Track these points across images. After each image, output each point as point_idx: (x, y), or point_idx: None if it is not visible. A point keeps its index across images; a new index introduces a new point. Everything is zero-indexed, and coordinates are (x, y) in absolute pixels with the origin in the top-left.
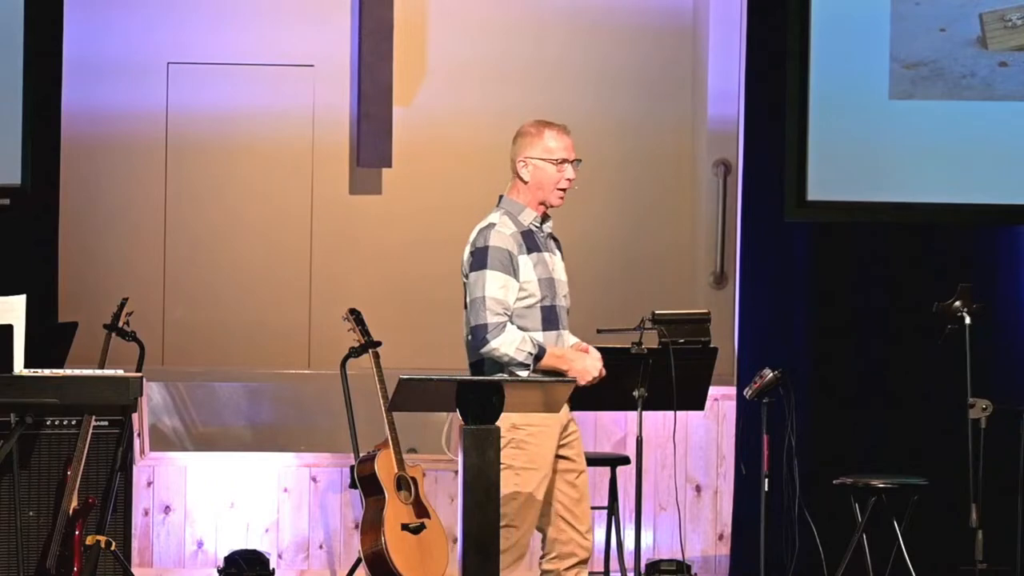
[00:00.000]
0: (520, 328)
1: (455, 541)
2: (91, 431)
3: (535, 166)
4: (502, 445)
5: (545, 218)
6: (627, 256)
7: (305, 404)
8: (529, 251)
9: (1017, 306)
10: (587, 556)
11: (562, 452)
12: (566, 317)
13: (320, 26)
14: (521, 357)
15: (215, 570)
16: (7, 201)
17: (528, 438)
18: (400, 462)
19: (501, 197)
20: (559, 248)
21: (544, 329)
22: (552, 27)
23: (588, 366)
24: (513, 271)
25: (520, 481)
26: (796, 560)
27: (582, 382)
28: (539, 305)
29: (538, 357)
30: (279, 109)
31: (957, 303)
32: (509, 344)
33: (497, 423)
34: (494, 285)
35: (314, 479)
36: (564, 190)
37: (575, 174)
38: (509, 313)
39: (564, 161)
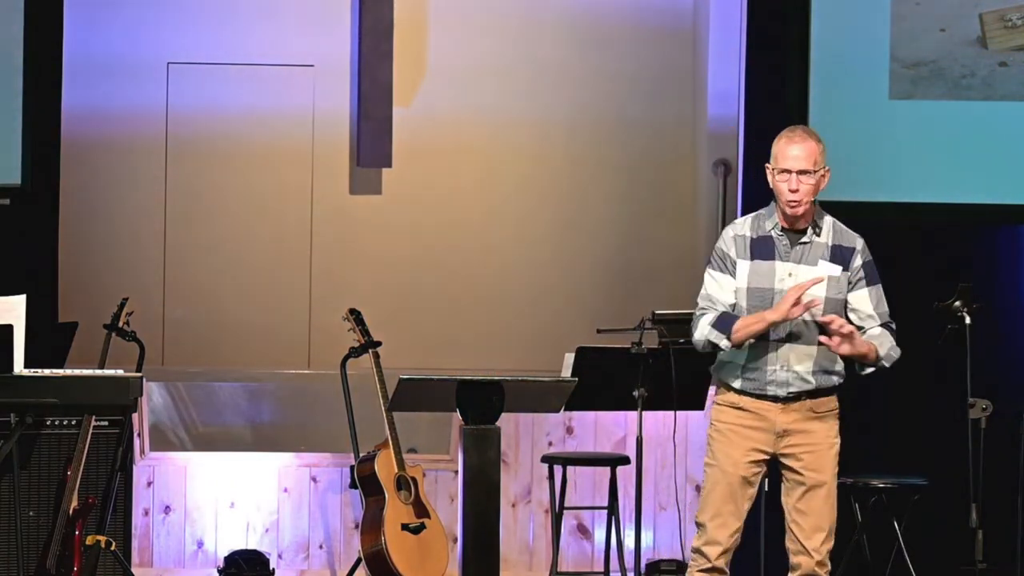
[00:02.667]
0: None
1: (455, 541)
2: (91, 431)
3: (769, 173)
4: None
5: (802, 226)
6: (627, 256)
7: (305, 404)
8: (754, 257)
9: (1017, 306)
10: (810, 571)
11: (785, 461)
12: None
13: (320, 26)
14: (712, 336)
15: (215, 570)
16: (7, 201)
17: (715, 435)
18: (400, 462)
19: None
20: (841, 261)
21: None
22: (552, 27)
23: (779, 308)
24: (729, 271)
25: (707, 474)
26: None
27: (779, 318)
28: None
29: (727, 325)
30: (279, 109)
31: (957, 303)
32: (699, 330)
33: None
34: (708, 281)
35: (314, 479)
36: (792, 202)
37: (798, 184)
38: (715, 307)
39: (784, 171)
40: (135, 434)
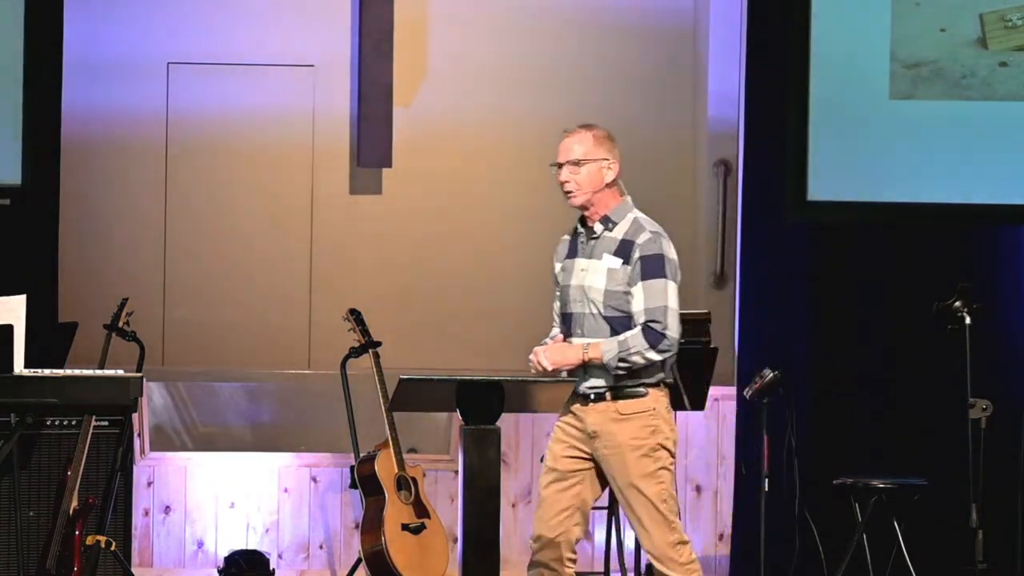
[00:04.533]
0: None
1: (455, 541)
2: (91, 431)
3: None
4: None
5: (594, 221)
6: None
7: (305, 404)
8: (567, 256)
9: (1017, 306)
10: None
11: (598, 463)
12: (584, 324)
13: (320, 26)
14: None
15: (215, 570)
16: (7, 201)
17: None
18: (400, 462)
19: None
20: (623, 255)
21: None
22: (552, 28)
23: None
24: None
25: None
26: (796, 560)
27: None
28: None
29: None
30: (279, 109)
31: (957, 303)
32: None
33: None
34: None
35: (314, 479)
36: (566, 193)
37: (566, 176)
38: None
39: (556, 165)
40: (135, 434)
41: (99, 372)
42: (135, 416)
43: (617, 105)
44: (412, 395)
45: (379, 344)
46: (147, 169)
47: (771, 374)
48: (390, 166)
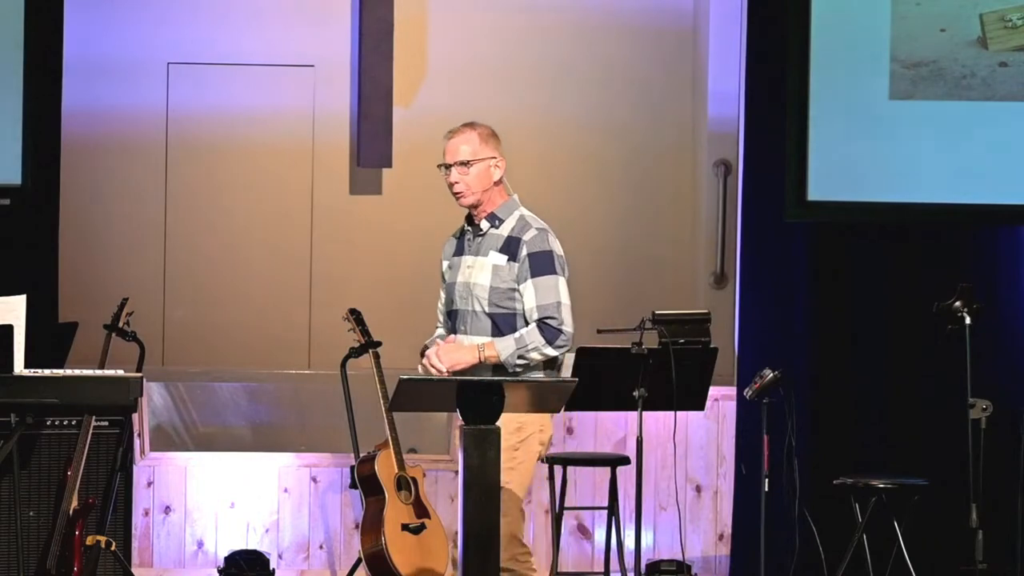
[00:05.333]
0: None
1: (455, 541)
2: (91, 431)
3: None
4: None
5: (480, 219)
6: (627, 256)
7: (305, 404)
8: (454, 254)
9: (1017, 306)
10: None
11: None
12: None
13: (320, 26)
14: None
15: (215, 570)
16: (7, 201)
17: None
18: (400, 462)
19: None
20: (509, 252)
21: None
22: (552, 28)
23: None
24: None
25: None
26: (796, 560)
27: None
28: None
29: None
30: (279, 109)
31: (957, 303)
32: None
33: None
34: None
35: (314, 479)
36: (456, 194)
37: (456, 177)
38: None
39: (443, 166)
40: (135, 434)
41: (99, 372)
42: (135, 416)
43: (617, 105)
44: (412, 395)
45: (379, 344)
46: (147, 169)
47: (771, 374)
48: (390, 166)
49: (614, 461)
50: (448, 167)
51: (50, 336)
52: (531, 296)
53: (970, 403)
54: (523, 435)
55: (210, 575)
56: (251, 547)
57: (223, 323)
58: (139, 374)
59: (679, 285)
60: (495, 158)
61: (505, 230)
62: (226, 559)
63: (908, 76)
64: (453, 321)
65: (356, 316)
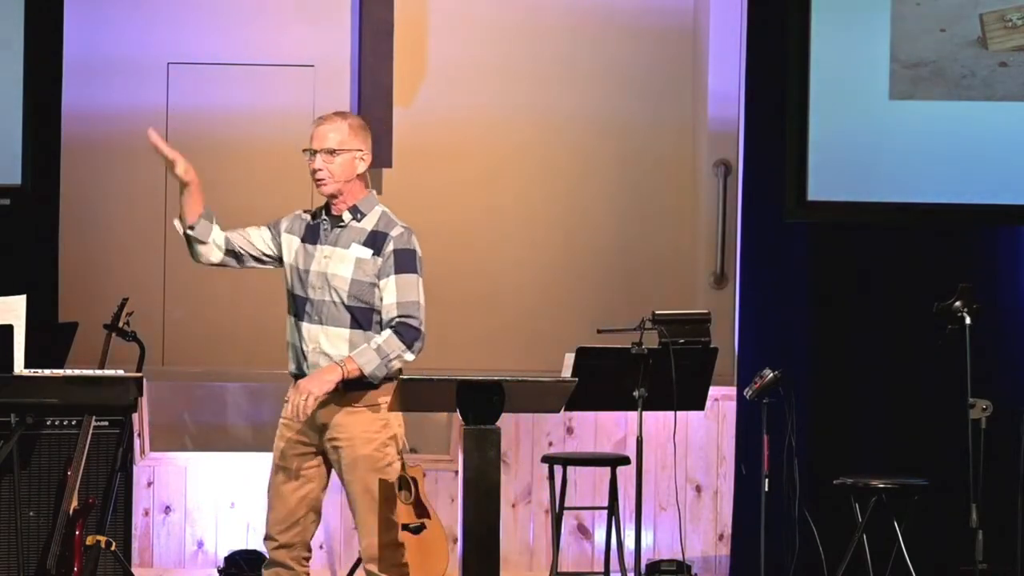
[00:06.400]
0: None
1: (455, 541)
2: (91, 431)
3: None
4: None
5: (340, 211)
6: (627, 256)
7: None
8: (304, 240)
9: (1017, 306)
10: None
11: (328, 456)
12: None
13: (320, 26)
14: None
15: (215, 570)
16: (7, 201)
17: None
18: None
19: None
20: (373, 246)
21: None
22: (552, 27)
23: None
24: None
25: None
26: (796, 560)
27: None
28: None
29: None
30: (279, 109)
31: (957, 303)
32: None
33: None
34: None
35: None
36: (317, 180)
37: (320, 164)
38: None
39: (308, 151)
40: (135, 434)
41: (99, 372)
42: (135, 416)
43: (617, 105)
44: (412, 395)
45: None
46: (147, 169)
47: (771, 374)
48: (390, 166)
49: (614, 461)
50: (313, 153)
51: (50, 336)
52: (392, 292)
53: (970, 403)
54: (390, 431)
55: (210, 575)
56: (251, 547)
57: (223, 323)
58: (139, 374)
59: (679, 285)
60: (362, 151)
61: (368, 224)
62: (226, 559)
63: (908, 76)
64: (300, 307)
65: None
